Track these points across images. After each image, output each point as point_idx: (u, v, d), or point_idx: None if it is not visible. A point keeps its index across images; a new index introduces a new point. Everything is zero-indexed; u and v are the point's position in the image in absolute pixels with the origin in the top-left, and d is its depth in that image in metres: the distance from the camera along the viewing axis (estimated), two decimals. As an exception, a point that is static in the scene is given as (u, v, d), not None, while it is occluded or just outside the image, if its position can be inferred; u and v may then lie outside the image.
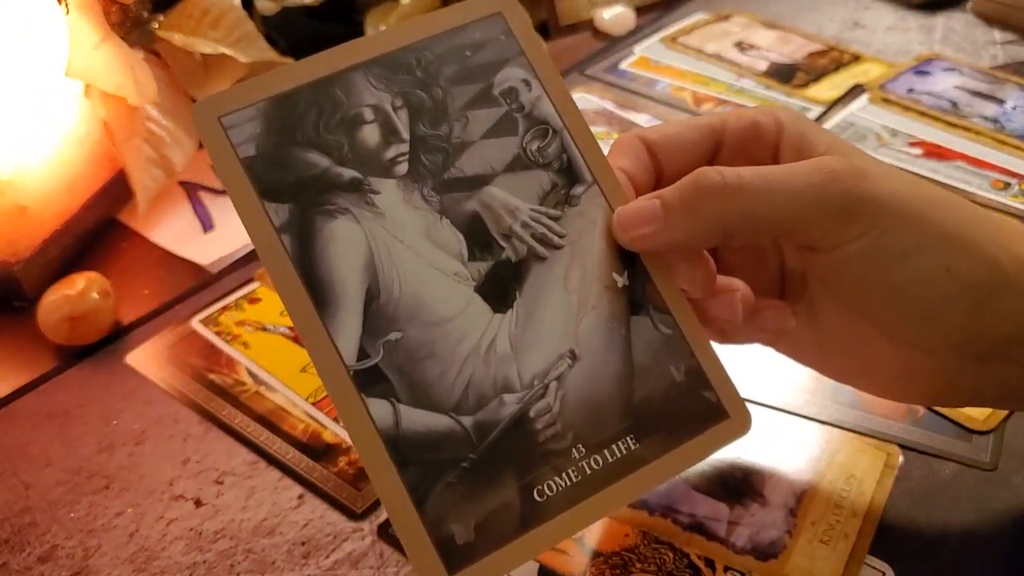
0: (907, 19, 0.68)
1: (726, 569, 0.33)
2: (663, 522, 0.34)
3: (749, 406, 0.30)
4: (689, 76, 0.62)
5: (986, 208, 0.32)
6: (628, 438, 0.28)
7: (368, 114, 0.29)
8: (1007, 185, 0.51)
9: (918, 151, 0.54)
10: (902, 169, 0.30)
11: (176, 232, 0.50)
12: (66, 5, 0.45)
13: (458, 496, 0.26)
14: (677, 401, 0.29)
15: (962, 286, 0.28)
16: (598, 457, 0.27)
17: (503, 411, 0.27)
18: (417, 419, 0.26)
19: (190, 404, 0.40)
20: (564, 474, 0.27)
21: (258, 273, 0.47)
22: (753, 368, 0.40)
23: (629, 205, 0.30)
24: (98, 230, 0.50)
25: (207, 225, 0.51)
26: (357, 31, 0.61)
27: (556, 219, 0.30)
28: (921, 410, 0.38)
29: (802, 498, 0.35)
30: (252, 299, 0.45)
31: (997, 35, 0.66)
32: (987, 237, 0.28)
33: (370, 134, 0.28)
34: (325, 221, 0.27)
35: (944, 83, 0.59)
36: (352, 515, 0.35)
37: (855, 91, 0.59)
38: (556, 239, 0.29)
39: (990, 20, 0.67)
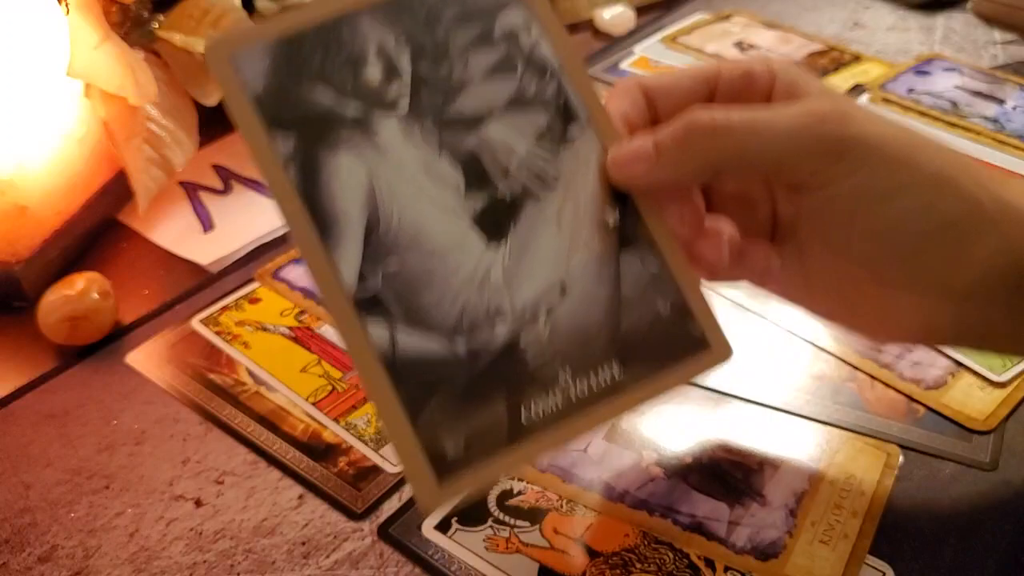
0: (907, 19, 0.68)
1: (726, 569, 0.33)
2: (663, 522, 0.34)
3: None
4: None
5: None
6: (613, 364, 0.29)
7: (372, 54, 0.30)
8: (1007, 185, 0.51)
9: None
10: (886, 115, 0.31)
11: (176, 232, 0.50)
12: (66, 5, 0.45)
13: (450, 413, 0.27)
14: (661, 332, 0.30)
15: (943, 224, 0.29)
16: (584, 381, 0.29)
17: (495, 337, 0.28)
18: (413, 342, 0.28)
19: (190, 404, 0.40)
20: (551, 395, 0.28)
21: (258, 273, 0.47)
22: (753, 368, 0.40)
23: (623, 144, 0.31)
24: (98, 230, 0.50)
25: (207, 225, 0.51)
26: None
27: (551, 158, 0.31)
28: (921, 410, 0.38)
29: (802, 498, 0.35)
30: (252, 299, 0.45)
31: (997, 35, 0.66)
32: (968, 178, 0.30)
33: (373, 73, 0.30)
34: (329, 155, 0.28)
35: (944, 83, 0.60)
36: (352, 515, 0.35)
37: (855, 91, 0.59)
38: (550, 177, 0.30)
39: (990, 20, 0.67)
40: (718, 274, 0.33)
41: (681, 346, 0.30)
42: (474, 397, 0.28)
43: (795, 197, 0.32)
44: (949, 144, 0.31)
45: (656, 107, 0.33)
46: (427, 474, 0.26)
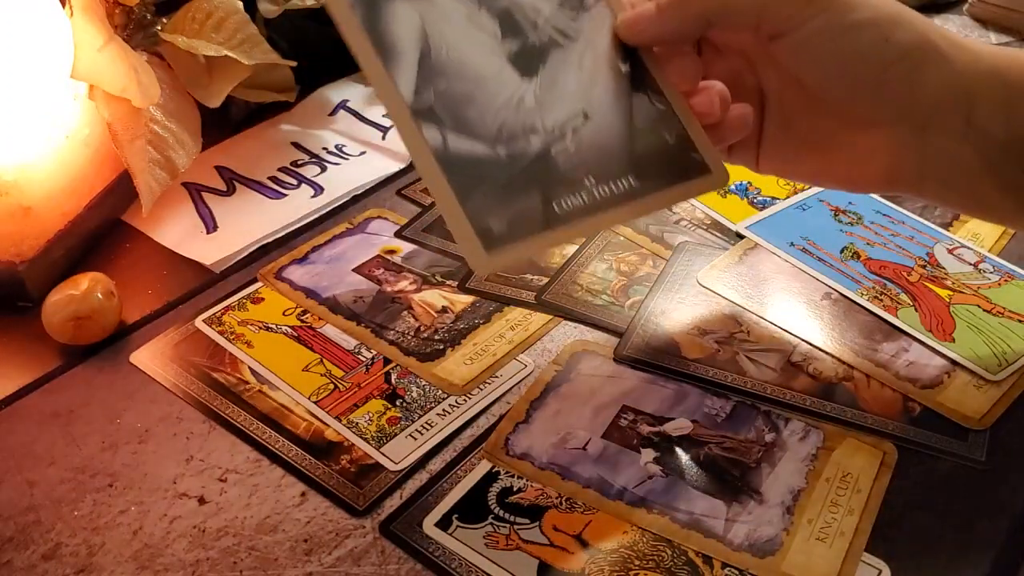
0: (905, 22, 0.68)
1: (723, 566, 0.33)
2: (661, 519, 0.34)
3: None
4: None
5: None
6: (630, 176, 0.35)
7: None
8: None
9: None
10: None
11: (180, 232, 0.51)
12: (70, 8, 0.46)
13: (494, 200, 0.32)
14: (669, 156, 0.36)
15: (899, 53, 0.35)
16: (605, 187, 0.34)
17: (530, 147, 0.33)
18: (462, 144, 0.32)
19: (193, 403, 0.40)
20: (578, 195, 0.33)
21: (261, 273, 0.47)
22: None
23: (631, 10, 0.37)
24: (102, 230, 0.50)
25: (210, 226, 0.51)
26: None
27: (572, 18, 0.37)
28: (917, 408, 0.39)
29: (799, 496, 0.35)
30: (255, 299, 0.46)
31: (993, 37, 0.66)
32: (922, 22, 0.35)
33: None
34: (388, 2, 0.33)
35: (941, 85, 0.60)
36: (354, 512, 0.35)
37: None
38: (572, 32, 0.36)
39: (986, 23, 0.67)
40: (713, 130, 0.37)
41: (686, 168, 0.37)
42: (514, 190, 0.32)
43: (774, 49, 0.37)
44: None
45: None
46: (477, 245, 0.31)
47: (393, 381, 0.41)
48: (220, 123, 0.57)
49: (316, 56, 0.61)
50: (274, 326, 0.44)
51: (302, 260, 0.48)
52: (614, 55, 0.37)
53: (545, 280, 0.46)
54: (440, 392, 0.40)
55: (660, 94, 0.37)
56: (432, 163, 0.31)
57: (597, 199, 0.34)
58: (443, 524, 0.35)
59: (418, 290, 0.46)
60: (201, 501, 0.36)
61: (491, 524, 0.34)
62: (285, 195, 0.54)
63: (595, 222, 0.34)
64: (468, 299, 0.45)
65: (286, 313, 0.45)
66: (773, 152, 0.40)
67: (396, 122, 0.32)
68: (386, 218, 0.51)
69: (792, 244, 0.47)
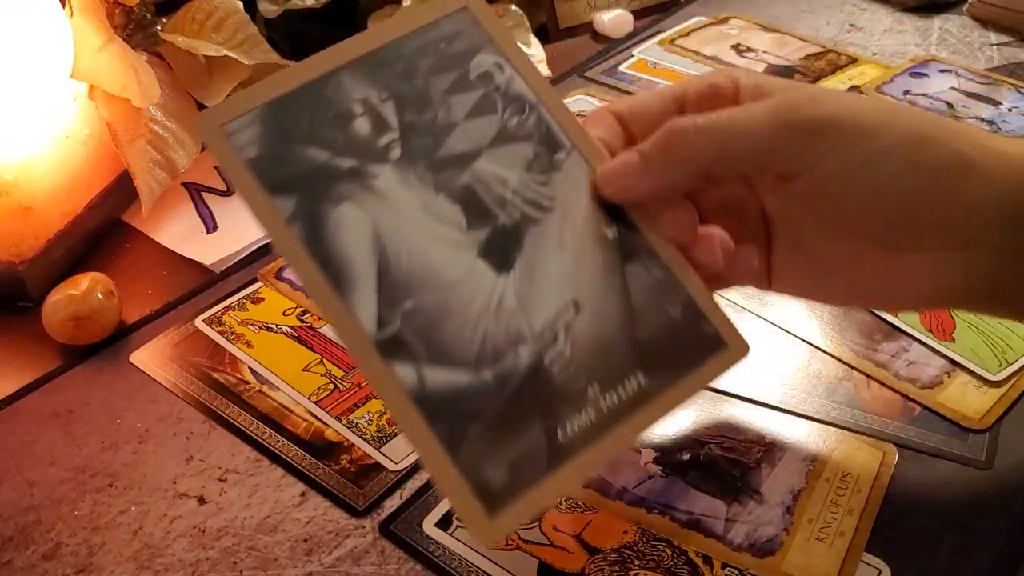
0: (903, 21, 0.68)
1: (723, 566, 0.33)
2: (661, 519, 0.34)
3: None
4: (687, 79, 0.62)
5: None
6: (638, 374, 0.30)
7: (358, 108, 0.31)
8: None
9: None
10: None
11: (180, 232, 0.51)
12: (70, 8, 0.46)
13: (488, 443, 0.27)
14: (678, 337, 0.31)
15: (932, 177, 0.30)
16: (612, 394, 0.29)
17: (520, 361, 0.29)
18: (441, 378, 0.28)
19: (193, 403, 0.40)
20: (583, 412, 0.29)
21: (261, 273, 0.47)
22: (750, 367, 0.40)
23: (611, 161, 0.32)
24: (102, 230, 0.50)
25: (210, 226, 0.51)
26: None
27: (543, 183, 0.32)
28: (917, 408, 0.39)
29: (799, 496, 0.35)
30: (255, 299, 0.46)
31: (993, 37, 0.66)
32: (946, 132, 0.31)
33: (362, 126, 0.31)
34: (330, 208, 0.29)
35: (940, 85, 0.60)
36: (354, 512, 0.35)
37: (852, 93, 0.60)
38: (546, 201, 0.31)
39: (986, 22, 0.68)
40: (715, 278, 0.33)
41: (699, 347, 0.31)
42: (509, 423, 0.28)
43: (783, 187, 0.32)
44: (924, 111, 0.33)
45: (630, 130, 0.34)
46: (477, 509, 0.26)
47: (393, 381, 0.41)
48: (220, 123, 0.57)
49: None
50: (274, 326, 0.44)
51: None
52: (597, 219, 0.32)
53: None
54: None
55: (656, 257, 0.32)
56: (410, 409, 0.27)
57: (605, 413, 0.29)
58: (443, 524, 0.35)
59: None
60: (201, 501, 0.36)
61: (491, 524, 0.34)
62: (285, 195, 0.54)
63: (608, 444, 0.29)
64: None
65: (286, 313, 0.45)
66: (786, 276, 0.35)
67: (359, 363, 0.27)
68: (386, 218, 0.51)
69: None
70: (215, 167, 0.55)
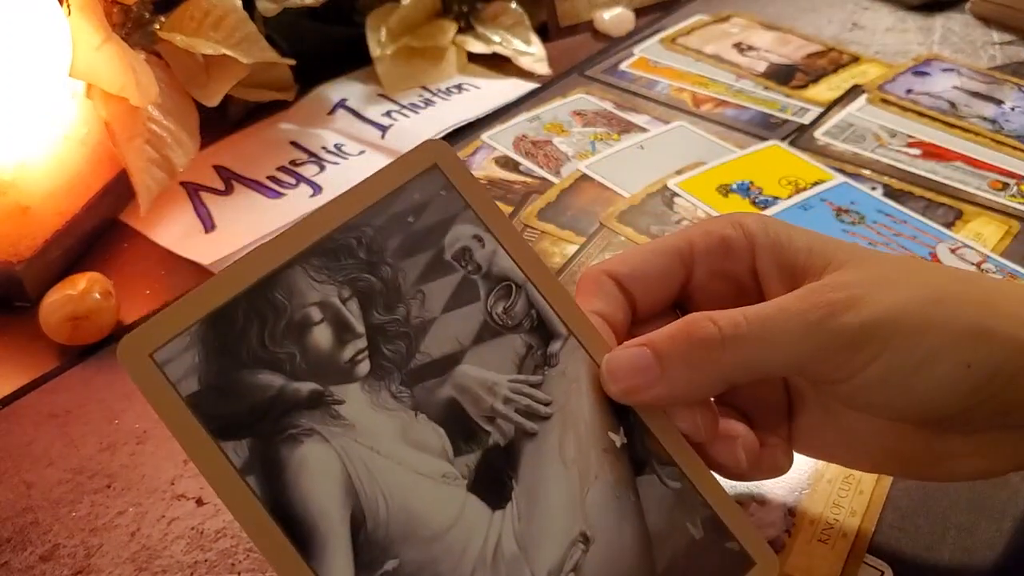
0: (906, 20, 0.68)
1: (725, 568, 0.33)
2: (663, 521, 0.34)
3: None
4: (688, 77, 0.62)
5: (998, 281, 0.31)
6: None
7: (316, 313, 0.26)
8: (1005, 186, 0.51)
9: (917, 151, 0.54)
10: (889, 257, 0.29)
11: (178, 232, 0.50)
12: (68, 6, 0.46)
13: None
14: (701, 559, 0.27)
15: (988, 375, 0.27)
16: None
17: None
18: None
19: (191, 404, 0.40)
20: None
21: (259, 273, 0.47)
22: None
23: (618, 354, 0.28)
24: (100, 230, 0.50)
25: (208, 225, 0.51)
26: (358, 32, 0.61)
27: (538, 385, 0.27)
28: (919, 410, 0.38)
29: (800, 497, 0.35)
30: (253, 299, 0.45)
31: (995, 36, 0.66)
32: (1003, 321, 0.27)
33: (322, 336, 0.26)
34: (291, 449, 0.24)
35: (943, 84, 0.60)
36: (353, 514, 0.35)
37: (854, 92, 0.60)
38: (543, 408, 0.27)
39: (988, 21, 0.67)
40: (736, 478, 0.31)
41: (725, 570, 0.27)
42: None
43: (819, 387, 0.30)
44: (970, 282, 0.29)
45: (631, 296, 0.30)
46: None
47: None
48: (218, 122, 0.57)
49: (315, 55, 0.60)
50: (273, 326, 0.44)
51: None
52: (602, 423, 0.27)
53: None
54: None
55: (671, 464, 0.28)
56: None
57: None
58: (443, 526, 0.34)
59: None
60: (199, 503, 0.36)
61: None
62: (284, 195, 0.53)
63: None
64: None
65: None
66: (812, 441, 0.32)
67: None
68: (385, 218, 0.51)
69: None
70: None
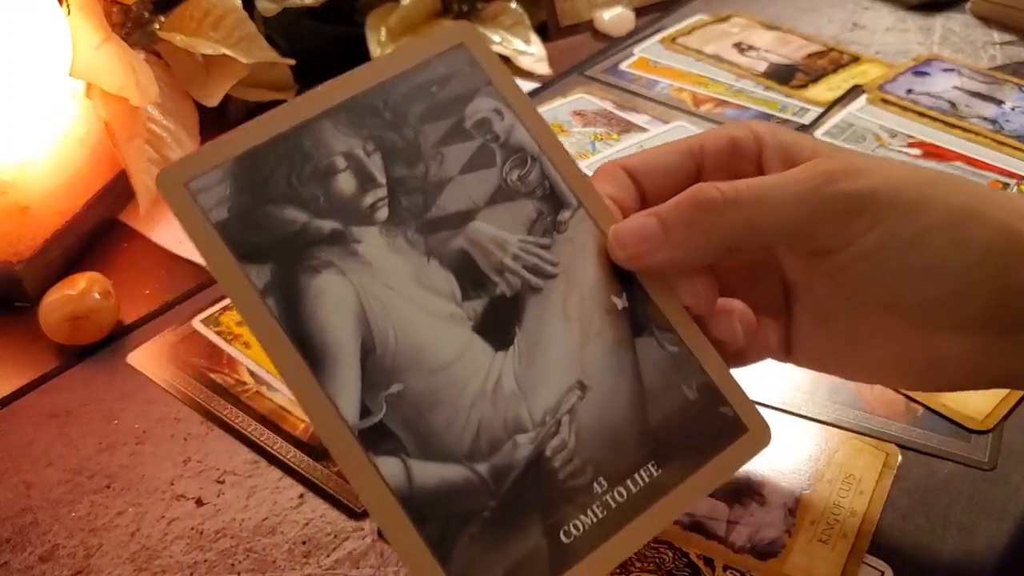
0: (906, 20, 0.68)
1: (725, 568, 0.33)
2: (663, 521, 0.34)
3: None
4: (688, 77, 0.62)
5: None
6: (649, 465, 0.27)
7: (340, 162, 0.28)
8: (1005, 186, 0.51)
9: (917, 152, 0.54)
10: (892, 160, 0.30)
11: (177, 232, 0.50)
12: (67, 6, 0.46)
13: (482, 547, 0.25)
14: (694, 420, 0.28)
15: (979, 256, 0.28)
16: (621, 489, 0.27)
17: (518, 453, 0.26)
18: (430, 473, 0.25)
19: (191, 404, 0.40)
20: (589, 511, 0.26)
21: (259, 273, 0.47)
22: (754, 369, 0.40)
23: (625, 223, 0.29)
24: (99, 230, 0.50)
25: (208, 225, 0.51)
26: (358, 32, 0.61)
27: (546, 247, 0.29)
28: (920, 409, 0.38)
29: (801, 497, 0.35)
30: (253, 299, 0.46)
31: (996, 36, 0.66)
32: (994, 207, 0.28)
33: (345, 182, 0.27)
34: (310, 278, 0.26)
35: (943, 84, 0.60)
36: (353, 514, 0.35)
37: (854, 92, 0.60)
38: (549, 268, 0.28)
39: (988, 21, 0.67)
40: (731, 356, 0.31)
41: (717, 433, 0.28)
42: (506, 524, 0.25)
43: (812, 260, 0.30)
44: (968, 179, 0.30)
45: (642, 186, 0.32)
46: None
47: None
48: (218, 122, 0.57)
49: (315, 54, 0.60)
50: (272, 326, 0.44)
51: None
52: (606, 286, 0.29)
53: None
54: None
55: (670, 330, 0.29)
56: (395, 510, 0.24)
57: (614, 509, 0.26)
58: (442, 526, 0.34)
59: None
60: (199, 503, 0.36)
61: (491, 526, 0.34)
62: (284, 194, 0.53)
63: (618, 546, 0.26)
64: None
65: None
66: (807, 349, 0.32)
67: (338, 456, 0.25)
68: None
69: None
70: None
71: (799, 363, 0.33)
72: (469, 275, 0.28)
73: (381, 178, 0.28)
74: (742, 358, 0.32)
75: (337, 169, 0.27)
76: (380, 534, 0.34)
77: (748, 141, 0.31)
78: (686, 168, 0.32)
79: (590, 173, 0.32)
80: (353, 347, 0.26)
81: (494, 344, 0.27)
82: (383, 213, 0.28)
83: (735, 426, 0.29)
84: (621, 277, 0.29)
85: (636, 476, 0.27)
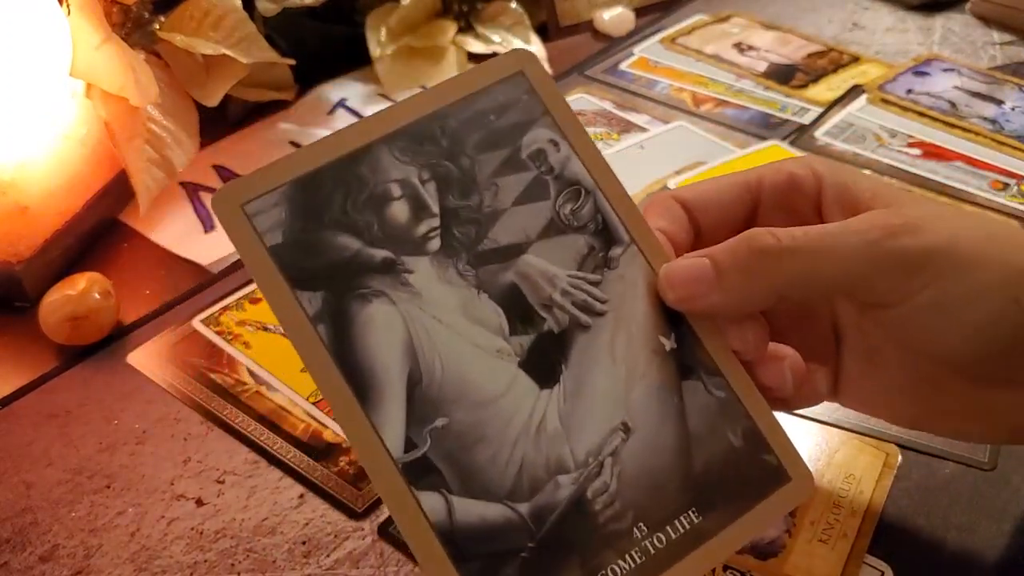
0: (906, 20, 0.68)
1: (725, 568, 0.33)
2: (663, 521, 0.34)
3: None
4: (688, 77, 0.62)
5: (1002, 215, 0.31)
6: (690, 511, 0.27)
7: (396, 190, 0.28)
8: (1006, 186, 0.51)
9: (917, 152, 0.54)
10: (948, 205, 0.30)
11: (177, 232, 0.50)
12: (67, 6, 0.46)
13: None
14: (737, 468, 0.28)
15: None
16: (661, 535, 0.26)
17: (559, 494, 0.26)
18: (471, 510, 0.25)
19: (191, 404, 0.40)
20: (627, 556, 0.26)
21: (259, 273, 0.47)
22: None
23: (677, 262, 0.29)
24: (99, 230, 0.50)
25: (208, 225, 0.51)
26: (358, 32, 0.61)
27: (596, 284, 0.29)
28: (920, 410, 0.38)
29: (801, 497, 0.35)
30: (253, 299, 0.46)
31: (995, 36, 0.66)
32: None
33: (399, 211, 0.28)
34: (360, 306, 0.26)
35: (943, 84, 0.60)
36: (353, 514, 0.35)
37: (854, 92, 0.59)
38: (598, 305, 0.28)
39: (988, 21, 0.67)
40: (778, 402, 0.31)
41: (760, 481, 0.28)
42: (544, 566, 0.25)
43: (867, 311, 0.30)
44: (1019, 228, 0.30)
45: (696, 220, 0.31)
46: None
47: (392, 382, 0.41)
48: (218, 122, 0.57)
49: (315, 54, 0.60)
50: (272, 326, 0.44)
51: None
52: (654, 326, 0.28)
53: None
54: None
55: (718, 374, 0.29)
56: (436, 548, 0.24)
57: (652, 555, 0.26)
58: (443, 526, 0.34)
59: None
60: (199, 503, 0.36)
61: (491, 527, 0.34)
62: (284, 194, 0.53)
63: None
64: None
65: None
66: (854, 391, 0.32)
67: (381, 489, 0.25)
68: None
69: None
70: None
71: (845, 404, 0.33)
72: (518, 310, 0.28)
73: (435, 208, 0.28)
74: (789, 404, 0.31)
75: (392, 197, 0.28)
76: (380, 533, 0.34)
77: (808, 179, 0.31)
78: (742, 202, 0.32)
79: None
80: (400, 377, 0.26)
81: (539, 381, 0.27)
82: (435, 243, 0.28)
83: (778, 475, 0.28)
84: (670, 317, 0.29)
85: (676, 522, 0.27)
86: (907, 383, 0.30)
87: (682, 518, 0.27)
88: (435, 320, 0.27)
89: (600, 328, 0.28)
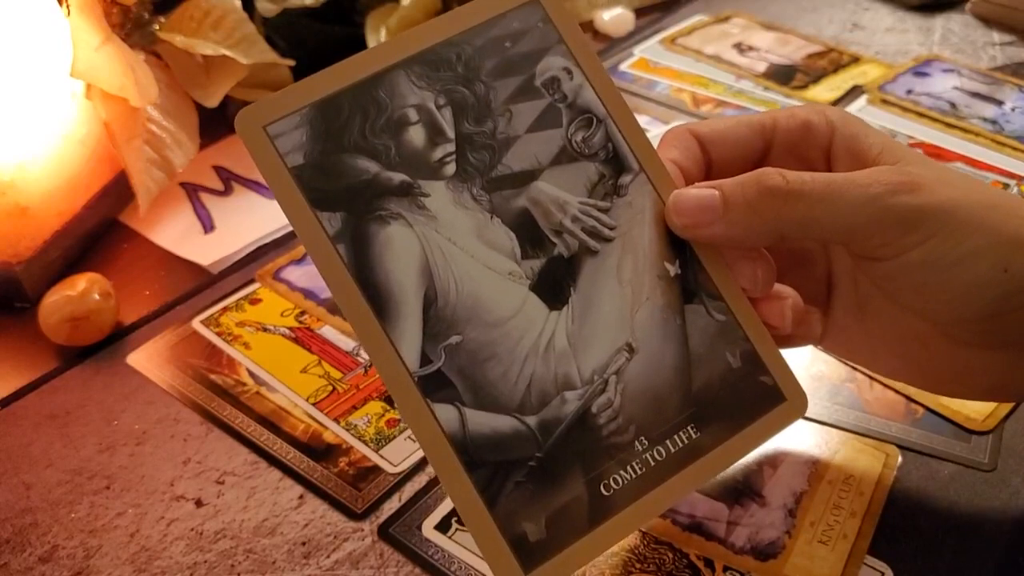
0: (906, 20, 0.68)
1: (725, 569, 0.33)
2: (662, 522, 0.34)
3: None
4: (688, 78, 0.62)
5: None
6: (689, 427, 0.29)
7: (413, 115, 0.28)
8: (1006, 186, 0.51)
9: (917, 152, 0.54)
10: (954, 170, 0.31)
11: (177, 233, 0.50)
12: (67, 7, 0.46)
13: (528, 494, 0.26)
14: (735, 387, 0.29)
15: (1020, 284, 0.28)
16: (661, 448, 0.28)
17: (565, 408, 0.27)
18: (483, 421, 0.27)
19: (191, 404, 0.40)
20: (629, 467, 0.28)
21: (258, 274, 0.47)
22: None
23: (686, 191, 0.30)
24: (99, 231, 0.50)
25: (208, 226, 0.51)
26: (358, 32, 0.61)
27: (605, 211, 0.30)
28: (920, 410, 0.38)
29: (801, 498, 0.35)
30: (253, 300, 0.46)
31: (996, 36, 0.66)
32: None
33: (416, 135, 0.28)
34: (379, 227, 0.27)
35: (943, 84, 0.60)
36: (352, 515, 0.35)
37: (854, 92, 0.59)
38: (607, 231, 0.29)
39: (988, 21, 0.67)
40: (776, 340, 0.32)
41: (756, 400, 0.30)
42: (550, 475, 0.27)
43: (860, 262, 0.31)
44: (1019, 199, 0.30)
45: (709, 154, 0.32)
46: (511, 564, 0.25)
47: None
48: (218, 123, 0.57)
49: (315, 55, 0.60)
50: (272, 327, 0.44)
51: (300, 261, 0.48)
52: (660, 252, 0.30)
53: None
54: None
55: (719, 299, 0.30)
56: (449, 456, 0.26)
57: (652, 467, 0.28)
58: (442, 527, 0.34)
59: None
60: (199, 504, 0.36)
61: (491, 527, 0.34)
62: (284, 195, 0.53)
63: (653, 502, 0.28)
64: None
65: (284, 314, 0.45)
66: (840, 338, 0.34)
67: (398, 400, 0.26)
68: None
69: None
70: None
71: (829, 350, 0.34)
72: (529, 235, 0.29)
73: (451, 133, 0.29)
74: (785, 343, 0.32)
75: (409, 121, 0.28)
76: (380, 534, 0.34)
77: (821, 127, 0.32)
78: (756, 143, 0.32)
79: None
80: (417, 296, 0.27)
81: (549, 303, 0.28)
82: (450, 168, 0.28)
83: (774, 394, 0.30)
84: (675, 244, 0.30)
85: (676, 437, 0.28)
86: (891, 336, 0.31)
87: (681, 433, 0.28)
88: (450, 243, 0.28)
89: (608, 253, 0.29)
